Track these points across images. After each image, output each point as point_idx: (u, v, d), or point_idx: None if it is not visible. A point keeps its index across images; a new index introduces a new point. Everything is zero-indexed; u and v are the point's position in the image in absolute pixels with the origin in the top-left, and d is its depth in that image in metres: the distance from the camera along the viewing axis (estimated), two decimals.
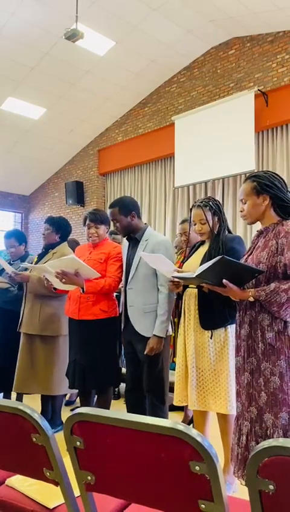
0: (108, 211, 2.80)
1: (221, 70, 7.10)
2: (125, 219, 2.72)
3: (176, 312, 3.13)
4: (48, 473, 1.18)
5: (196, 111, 7.18)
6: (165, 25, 6.48)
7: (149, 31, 6.57)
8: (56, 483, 1.18)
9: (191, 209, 2.53)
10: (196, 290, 2.41)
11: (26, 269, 3.45)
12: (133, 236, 2.78)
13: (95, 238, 2.94)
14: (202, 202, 2.47)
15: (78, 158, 9.71)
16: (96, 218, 2.93)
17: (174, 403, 2.55)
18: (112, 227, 3.05)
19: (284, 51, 6.29)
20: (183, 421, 3.34)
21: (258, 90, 6.39)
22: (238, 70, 6.85)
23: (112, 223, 2.88)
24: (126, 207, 2.72)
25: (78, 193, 9.27)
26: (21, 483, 1.49)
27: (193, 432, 0.92)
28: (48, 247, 3.33)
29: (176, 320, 3.37)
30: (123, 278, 2.84)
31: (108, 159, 9.02)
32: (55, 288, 2.97)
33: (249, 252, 2.04)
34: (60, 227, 3.34)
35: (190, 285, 2.45)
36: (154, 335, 2.61)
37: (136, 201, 2.85)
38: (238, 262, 1.92)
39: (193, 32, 6.74)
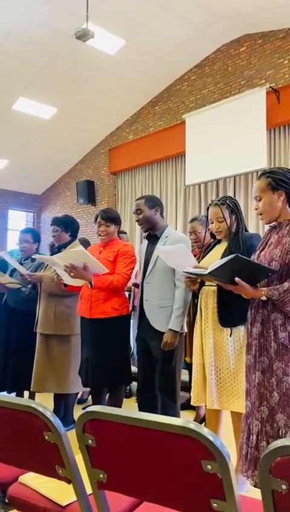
0: (134, 203, 2.91)
1: (232, 67, 7.05)
2: (149, 211, 2.83)
3: (191, 311, 3.12)
4: (60, 471, 1.19)
5: (207, 109, 7.15)
6: (175, 23, 6.46)
7: (159, 29, 6.55)
8: (68, 481, 1.19)
9: (208, 208, 2.52)
10: (214, 287, 2.38)
11: (38, 268, 3.47)
12: (153, 233, 2.85)
13: (104, 236, 2.98)
14: (219, 200, 2.47)
15: (89, 157, 9.73)
16: (106, 216, 2.98)
17: (192, 403, 2.54)
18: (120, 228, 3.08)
19: None
20: (195, 420, 3.34)
21: (270, 87, 6.33)
22: (250, 67, 6.79)
23: (122, 222, 2.93)
24: (152, 200, 2.87)
25: (89, 192, 9.30)
26: (34, 480, 1.50)
27: (205, 430, 0.92)
28: (60, 247, 3.35)
29: (187, 319, 3.35)
30: (141, 273, 2.87)
31: (119, 158, 9.02)
32: (65, 285, 2.99)
33: (261, 248, 2.01)
34: (68, 226, 3.37)
35: (207, 283, 2.43)
36: (169, 329, 2.63)
37: (161, 201, 2.98)
38: (252, 262, 1.90)
39: (203, 30, 6.70)
